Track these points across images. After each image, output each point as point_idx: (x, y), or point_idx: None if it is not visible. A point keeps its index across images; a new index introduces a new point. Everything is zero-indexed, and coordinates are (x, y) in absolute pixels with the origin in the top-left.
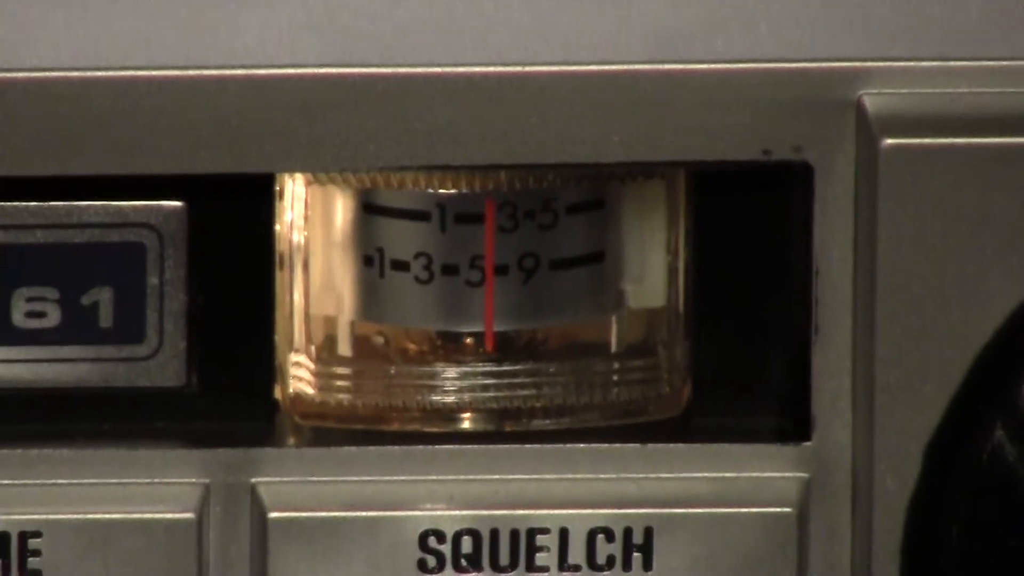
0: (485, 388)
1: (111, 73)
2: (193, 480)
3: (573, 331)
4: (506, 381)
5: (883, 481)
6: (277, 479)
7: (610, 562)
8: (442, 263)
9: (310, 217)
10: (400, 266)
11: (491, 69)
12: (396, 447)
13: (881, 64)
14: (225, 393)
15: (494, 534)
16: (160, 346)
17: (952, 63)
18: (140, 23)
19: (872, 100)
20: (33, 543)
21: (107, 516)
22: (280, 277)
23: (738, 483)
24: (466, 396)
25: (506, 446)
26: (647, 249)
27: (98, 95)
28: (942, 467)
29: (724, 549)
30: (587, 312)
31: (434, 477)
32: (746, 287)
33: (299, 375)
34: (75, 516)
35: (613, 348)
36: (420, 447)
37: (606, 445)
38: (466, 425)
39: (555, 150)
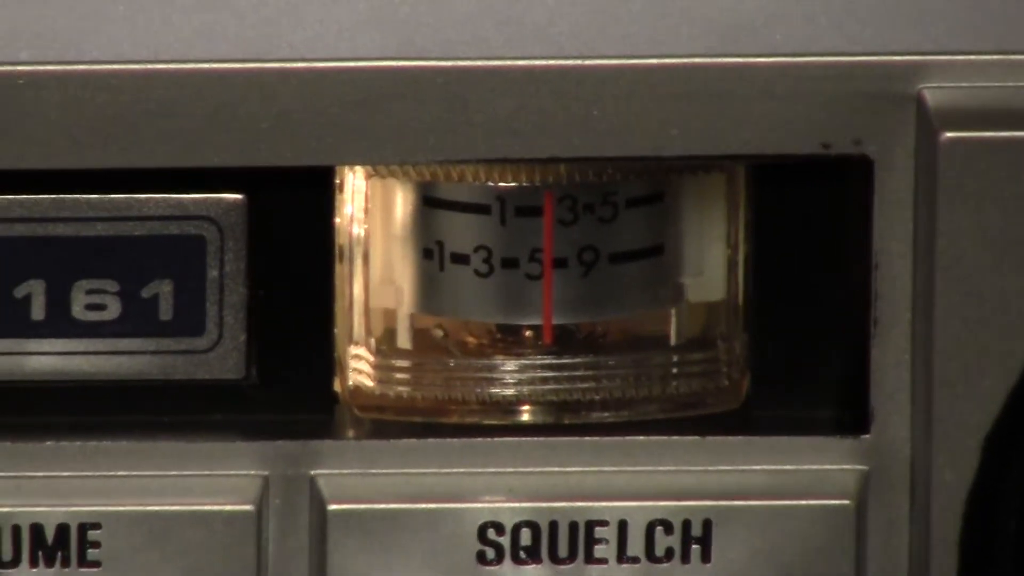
0: (544, 381)
1: (172, 66)
2: (252, 472)
3: (632, 324)
4: (565, 374)
5: (941, 474)
6: (336, 471)
7: (669, 554)
8: (502, 256)
9: (370, 210)
10: (460, 259)
11: (551, 62)
12: (455, 439)
13: (941, 58)
14: (285, 385)
15: (553, 526)
16: (220, 339)
17: (1012, 57)
18: (201, 16)
19: (932, 93)
20: (93, 535)
21: (166, 508)
22: (340, 270)
23: (797, 475)
24: (525, 389)
25: (565, 438)
26: (706, 242)
27: (159, 88)
28: (1000, 460)
29: (783, 541)
30: (646, 305)
31: (493, 469)
32: (805, 280)
33: (358, 368)
34: (134, 508)
35: (672, 341)
36: (479, 439)
37: (665, 437)
38: (525, 418)
39: (615, 143)
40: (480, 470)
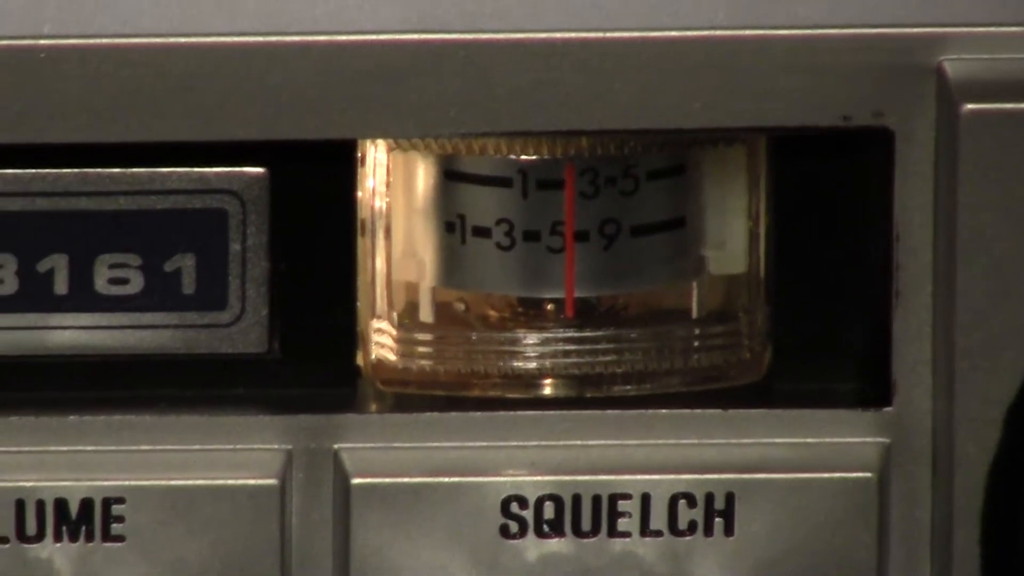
0: (566, 354)
1: (194, 39)
2: (276, 446)
3: (654, 297)
4: (587, 347)
5: (963, 446)
6: (359, 445)
7: (692, 527)
8: (523, 229)
9: (392, 183)
10: (481, 232)
11: (573, 35)
12: (478, 413)
13: (962, 30)
14: (307, 359)
15: (576, 500)
16: (242, 312)
17: None
18: None
19: (952, 65)
20: (116, 509)
21: (190, 482)
22: (362, 243)
23: (819, 448)
24: (547, 362)
25: (587, 412)
26: (728, 215)
27: (181, 61)
28: (1022, 431)
29: (805, 514)
30: (668, 278)
31: (516, 443)
32: (826, 253)
33: (381, 341)
34: (158, 482)
35: (694, 314)
36: (502, 413)
37: (687, 411)
38: (547, 391)
39: (636, 116)
40: (503, 444)
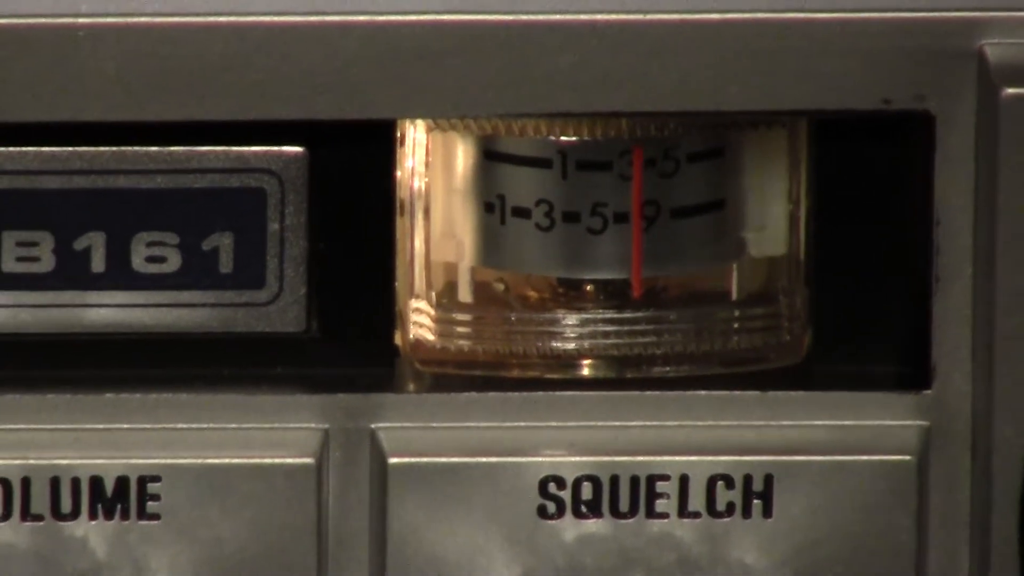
0: (605, 335)
1: (233, 19)
2: (313, 425)
3: (694, 279)
4: (627, 328)
5: (1002, 429)
6: (397, 424)
7: (730, 509)
8: (563, 210)
9: (431, 163)
10: (521, 213)
11: (613, 17)
12: (516, 393)
13: (1003, 14)
14: (345, 339)
15: (614, 480)
16: (280, 292)
17: None
18: None
19: (993, 50)
20: (152, 487)
21: (226, 461)
22: (401, 223)
23: (858, 431)
24: (586, 343)
25: (626, 393)
26: (768, 197)
27: (220, 41)
28: None
29: (844, 496)
30: (708, 260)
31: (554, 423)
32: (867, 236)
33: (419, 321)
34: (194, 461)
35: (734, 296)
36: (540, 393)
37: (726, 392)
38: (586, 372)
39: (677, 98)
40: (541, 424)
